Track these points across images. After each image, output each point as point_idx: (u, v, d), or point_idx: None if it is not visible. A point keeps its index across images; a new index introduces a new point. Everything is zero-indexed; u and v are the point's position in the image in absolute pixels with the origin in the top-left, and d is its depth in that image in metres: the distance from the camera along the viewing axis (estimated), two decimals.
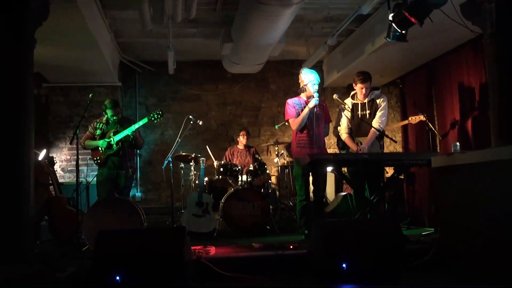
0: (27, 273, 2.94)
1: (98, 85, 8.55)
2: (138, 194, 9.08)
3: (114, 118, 6.03)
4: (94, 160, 6.09)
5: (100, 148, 5.98)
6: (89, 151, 6.26)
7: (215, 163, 7.21)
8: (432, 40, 6.60)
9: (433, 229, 6.15)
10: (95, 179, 6.18)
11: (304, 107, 5.71)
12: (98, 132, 6.08)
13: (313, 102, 5.63)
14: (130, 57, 8.86)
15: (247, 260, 4.44)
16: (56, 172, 7.00)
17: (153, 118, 5.98)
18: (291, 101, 5.86)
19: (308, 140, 5.73)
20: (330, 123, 6.24)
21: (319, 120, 5.78)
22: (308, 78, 5.74)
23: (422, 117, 6.68)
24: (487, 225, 3.64)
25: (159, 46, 8.05)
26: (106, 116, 6.08)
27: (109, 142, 5.92)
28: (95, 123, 6.17)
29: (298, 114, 5.74)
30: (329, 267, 3.80)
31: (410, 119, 7.02)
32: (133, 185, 8.65)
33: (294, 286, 3.93)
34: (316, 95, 5.65)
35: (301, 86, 5.85)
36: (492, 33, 4.81)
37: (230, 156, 7.63)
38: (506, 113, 4.66)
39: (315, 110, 5.70)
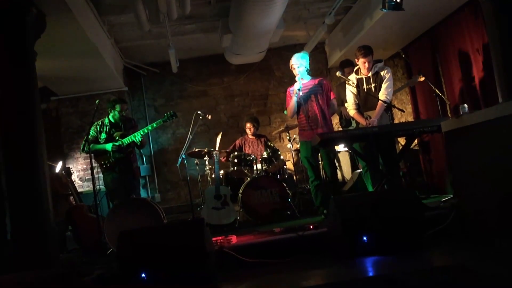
0: (52, 276, 3.00)
1: (105, 92, 8.61)
2: (157, 195, 9.15)
3: (122, 113, 6.02)
4: (102, 165, 6.00)
5: (108, 152, 5.95)
6: None
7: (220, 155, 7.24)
8: (430, 5, 6.54)
9: (452, 195, 6.11)
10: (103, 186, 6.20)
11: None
12: (103, 136, 6.01)
13: (295, 86, 5.67)
14: (134, 61, 8.92)
15: (268, 245, 4.47)
16: (74, 182, 7.09)
17: (167, 119, 6.08)
18: (289, 89, 5.92)
19: (306, 123, 5.75)
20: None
21: (314, 100, 5.74)
22: (291, 65, 5.80)
23: (421, 78, 6.64)
24: (500, 182, 3.62)
25: (160, 47, 8.10)
26: (111, 114, 6.05)
27: (119, 146, 5.93)
28: (97, 126, 6.07)
29: None
30: (349, 241, 3.80)
31: (408, 82, 6.98)
32: (151, 186, 8.79)
33: (314, 265, 3.90)
34: (297, 78, 5.70)
35: None
36: None
37: (242, 146, 7.63)
38: (510, 69, 4.63)
39: (305, 92, 5.68)
